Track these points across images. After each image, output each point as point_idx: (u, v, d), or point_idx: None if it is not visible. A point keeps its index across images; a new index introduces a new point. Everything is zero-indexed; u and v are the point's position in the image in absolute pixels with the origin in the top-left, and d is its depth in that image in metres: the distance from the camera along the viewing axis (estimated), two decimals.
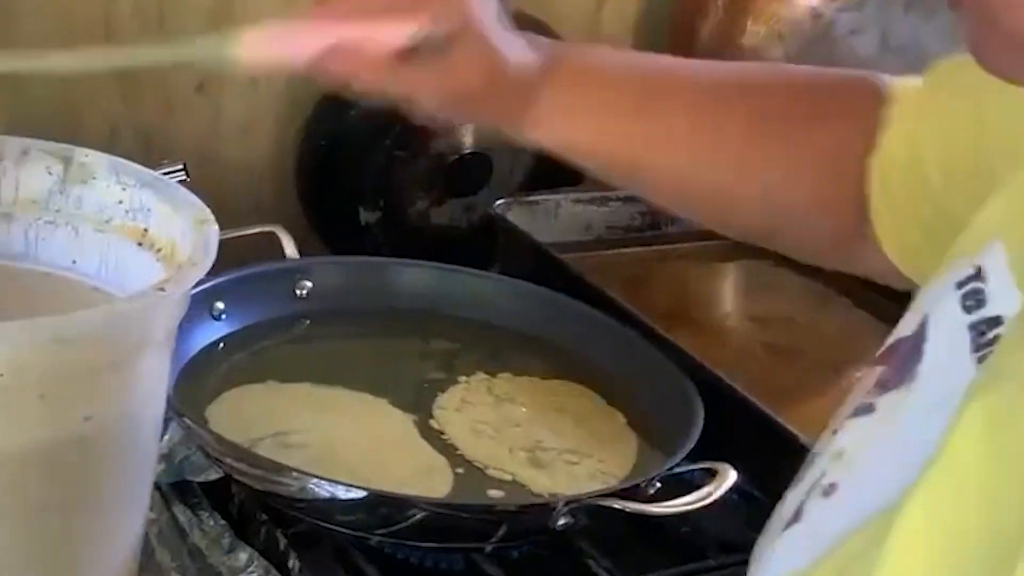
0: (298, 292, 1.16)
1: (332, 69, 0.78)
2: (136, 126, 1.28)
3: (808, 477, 0.63)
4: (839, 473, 0.60)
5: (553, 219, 1.33)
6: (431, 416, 1.05)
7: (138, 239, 0.86)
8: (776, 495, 0.66)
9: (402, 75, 0.78)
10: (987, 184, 0.65)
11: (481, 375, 1.12)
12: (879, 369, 0.63)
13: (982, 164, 0.70)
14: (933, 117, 0.76)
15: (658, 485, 0.96)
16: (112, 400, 0.75)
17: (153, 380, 0.79)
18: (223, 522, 0.96)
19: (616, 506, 0.91)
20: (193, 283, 0.76)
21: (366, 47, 0.77)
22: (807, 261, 0.98)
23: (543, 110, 0.82)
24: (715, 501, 0.92)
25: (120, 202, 0.86)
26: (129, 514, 0.81)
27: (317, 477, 0.89)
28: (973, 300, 0.59)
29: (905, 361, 0.61)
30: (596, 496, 0.92)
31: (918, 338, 0.61)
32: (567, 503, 0.91)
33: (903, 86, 0.80)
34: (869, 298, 1.28)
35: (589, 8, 1.46)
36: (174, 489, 0.98)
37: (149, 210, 0.86)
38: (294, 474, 0.90)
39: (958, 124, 0.74)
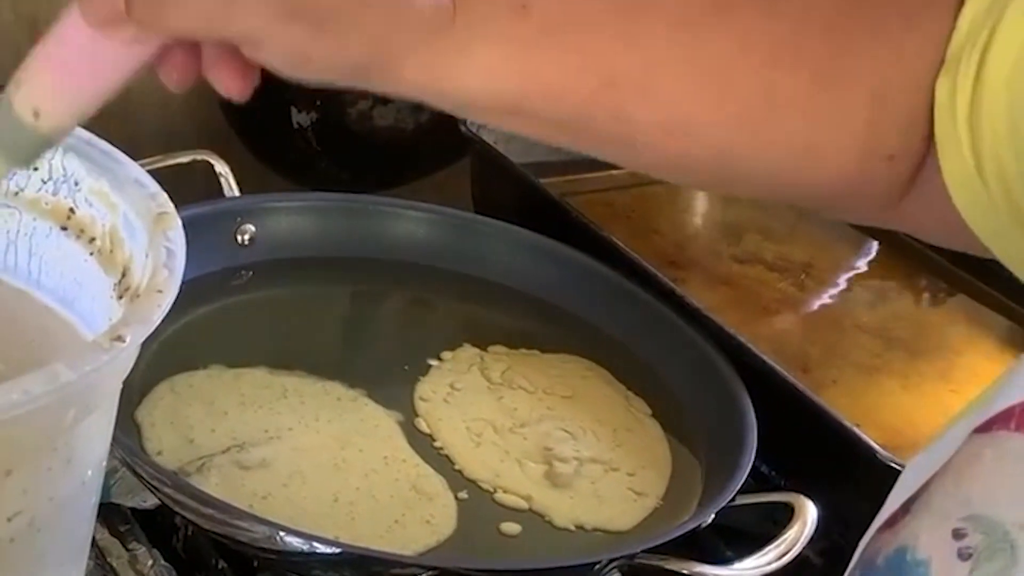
0: (239, 239, 0.93)
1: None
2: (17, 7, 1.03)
3: None
4: None
5: None
6: (416, 413, 0.84)
7: (62, 221, 0.64)
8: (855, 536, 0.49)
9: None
10: None
11: (469, 349, 0.91)
12: None
13: None
14: None
15: (711, 518, 0.77)
16: (43, 489, 0.54)
17: (96, 449, 0.57)
18: (165, 564, 0.75)
19: (673, 568, 0.72)
20: (160, 320, 0.54)
21: None
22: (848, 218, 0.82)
23: (475, 41, 0.52)
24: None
25: (35, 169, 0.64)
26: None
27: (288, 531, 0.69)
28: None
29: None
30: (648, 553, 0.73)
31: None
32: (611, 561, 0.72)
33: None
34: None
35: None
36: (98, 513, 0.77)
37: (77, 184, 0.64)
38: (257, 523, 0.69)
39: None
